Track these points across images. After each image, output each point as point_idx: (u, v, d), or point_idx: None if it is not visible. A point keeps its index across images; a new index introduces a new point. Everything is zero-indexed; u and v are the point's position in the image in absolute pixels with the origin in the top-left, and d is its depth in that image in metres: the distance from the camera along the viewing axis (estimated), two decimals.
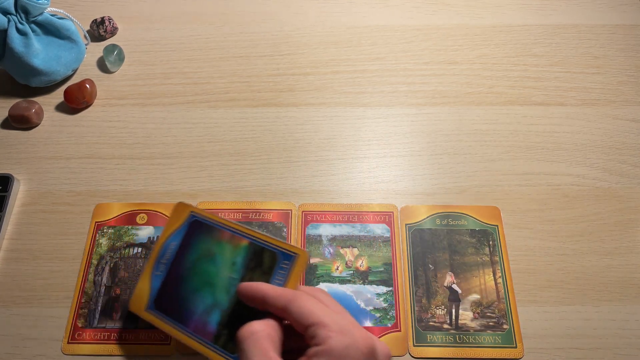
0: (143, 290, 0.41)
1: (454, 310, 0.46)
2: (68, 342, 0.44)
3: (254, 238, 0.39)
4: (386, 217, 0.50)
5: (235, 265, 0.38)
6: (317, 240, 0.49)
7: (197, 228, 0.41)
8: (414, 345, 0.44)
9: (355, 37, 0.63)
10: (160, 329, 0.39)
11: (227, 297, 0.38)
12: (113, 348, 0.44)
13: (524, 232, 0.50)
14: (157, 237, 0.49)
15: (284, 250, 0.37)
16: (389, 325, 0.45)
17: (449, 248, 0.48)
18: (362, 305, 0.46)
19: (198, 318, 0.38)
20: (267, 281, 0.36)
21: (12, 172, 0.53)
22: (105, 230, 0.50)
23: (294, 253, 0.37)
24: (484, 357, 0.44)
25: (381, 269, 0.47)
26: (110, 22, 0.62)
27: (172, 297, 0.40)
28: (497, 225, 0.50)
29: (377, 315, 0.45)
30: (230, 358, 0.35)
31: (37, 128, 0.56)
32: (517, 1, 0.66)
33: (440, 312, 0.45)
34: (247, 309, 0.36)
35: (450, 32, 0.63)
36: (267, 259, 0.38)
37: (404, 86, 0.59)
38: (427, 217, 0.50)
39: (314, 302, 0.32)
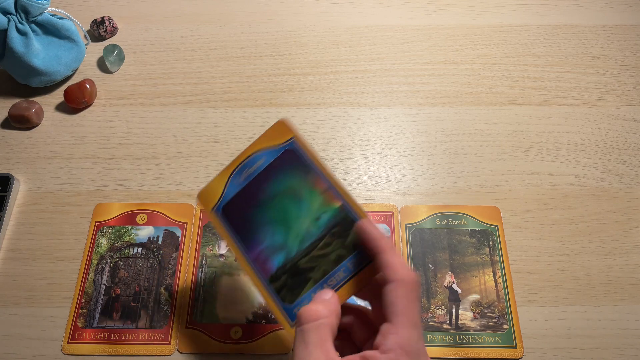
0: (217, 189, 0.39)
1: (454, 310, 0.46)
2: (68, 342, 0.44)
3: (349, 205, 0.36)
4: (386, 217, 0.50)
5: (319, 222, 0.36)
6: None
7: (293, 158, 0.38)
8: None
9: (355, 37, 0.63)
10: (220, 235, 0.37)
11: (297, 247, 0.36)
12: (113, 348, 0.44)
13: (524, 232, 0.50)
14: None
15: None
16: None
17: (449, 248, 0.48)
18: (362, 305, 0.46)
19: (262, 250, 0.36)
20: (340, 259, 0.34)
21: (12, 172, 0.53)
22: (105, 230, 0.50)
23: None
24: (484, 357, 0.44)
25: None
26: (110, 22, 0.62)
27: (243, 213, 0.38)
28: (497, 225, 0.50)
29: None
30: (280, 304, 0.34)
31: (37, 128, 0.56)
32: (517, 1, 0.66)
33: (440, 312, 0.45)
34: (314, 268, 0.34)
35: (450, 32, 0.63)
36: (353, 234, 0.35)
37: (404, 86, 0.59)
38: (427, 217, 0.50)
39: (408, 300, 0.30)
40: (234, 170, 0.39)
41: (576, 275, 0.47)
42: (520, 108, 0.57)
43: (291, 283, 0.35)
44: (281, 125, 0.39)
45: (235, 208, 0.38)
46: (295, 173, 0.37)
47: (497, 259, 0.48)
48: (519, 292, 0.47)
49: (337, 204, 0.36)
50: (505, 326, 0.45)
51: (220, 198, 0.38)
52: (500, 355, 0.44)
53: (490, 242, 0.49)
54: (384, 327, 0.30)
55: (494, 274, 0.47)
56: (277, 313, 0.34)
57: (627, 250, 0.49)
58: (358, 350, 0.33)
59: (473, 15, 0.65)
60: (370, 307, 0.35)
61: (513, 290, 0.46)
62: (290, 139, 0.38)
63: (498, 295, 0.46)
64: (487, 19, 0.64)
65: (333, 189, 0.36)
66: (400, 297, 0.30)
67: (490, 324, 0.45)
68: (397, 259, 0.31)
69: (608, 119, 0.57)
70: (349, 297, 0.33)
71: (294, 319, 0.33)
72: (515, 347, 0.44)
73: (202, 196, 0.39)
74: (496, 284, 0.47)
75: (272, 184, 0.38)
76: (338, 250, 0.34)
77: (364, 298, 0.33)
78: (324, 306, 0.31)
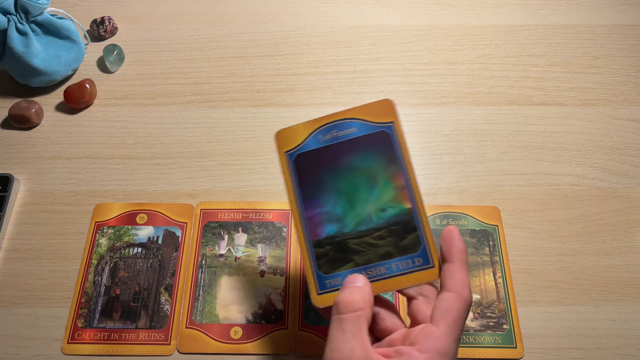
0: (298, 135, 0.38)
1: None
2: (68, 342, 0.44)
3: (418, 212, 0.35)
4: None
5: (383, 214, 0.35)
6: None
7: (385, 142, 0.37)
8: None
9: (355, 37, 0.63)
10: (283, 176, 0.37)
11: (353, 226, 0.35)
12: (113, 348, 0.44)
13: (524, 232, 0.50)
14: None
15: (426, 249, 0.34)
16: None
17: None
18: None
19: (318, 213, 0.36)
20: (389, 258, 0.34)
21: (12, 172, 0.53)
22: (105, 230, 0.50)
23: (431, 261, 0.34)
24: (484, 357, 0.44)
25: None
26: (110, 22, 0.62)
27: (314, 170, 0.37)
28: (497, 225, 0.50)
29: None
30: (315, 269, 0.35)
31: (37, 128, 0.56)
32: (517, 1, 0.66)
33: None
34: (360, 253, 0.35)
35: (450, 32, 0.63)
36: (409, 240, 0.35)
37: (404, 86, 0.59)
38: (427, 217, 0.50)
39: (459, 315, 0.31)
40: (322, 125, 0.38)
41: (576, 275, 0.47)
42: (520, 108, 0.57)
43: (333, 256, 0.35)
44: (386, 105, 0.38)
45: (309, 161, 0.37)
46: (381, 157, 0.37)
47: (497, 259, 0.48)
48: (519, 292, 0.47)
49: (407, 205, 0.35)
50: (505, 326, 0.45)
51: (298, 145, 0.38)
52: (500, 355, 0.44)
53: (490, 242, 0.49)
54: (427, 328, 0.31)
55: (494, 274, 0.47)
56: (310, 276, 0.35)
57: (627, 250, 0.49)
58: (376, 339, 0.34)
59: (473, 15, 0.65)
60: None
61: (513, 290, 0.46)
62: (391, 122, 0.38)
63: (498, 295, 0.46)
64: (487, 19, 0.64)
65: (410, 189, 0.36)
66: (456, 309, 0.31)
67: (490, 324, 0.45)
68: (465, 276, 0.32)
69: (608, 119, 0.57)
70: (380, 293, 0.34)
71: (323, 288, 0.34)
72: (515, 347, 0.44)
73: (280, 136, 0.38)
74: (496, 284, 0.47)
75: (354, 156, 0.37)
76: (389, 247, 0.35)
77: (406, 295, 0.34)
78: (360, 296, 0.32)
